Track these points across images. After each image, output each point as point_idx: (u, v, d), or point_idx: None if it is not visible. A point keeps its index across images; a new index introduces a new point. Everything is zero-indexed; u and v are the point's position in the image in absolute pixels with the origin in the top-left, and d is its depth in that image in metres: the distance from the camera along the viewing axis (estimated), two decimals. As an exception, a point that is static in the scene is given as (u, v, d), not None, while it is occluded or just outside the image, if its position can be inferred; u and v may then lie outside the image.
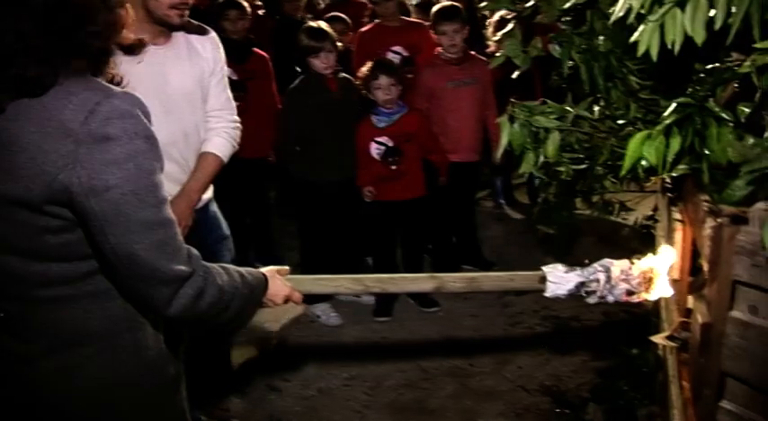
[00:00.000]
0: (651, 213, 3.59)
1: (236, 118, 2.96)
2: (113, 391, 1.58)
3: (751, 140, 1.83)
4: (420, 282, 1.95)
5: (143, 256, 1.40)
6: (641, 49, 1.85)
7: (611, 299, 1.84)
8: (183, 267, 1.46)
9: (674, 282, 2.47)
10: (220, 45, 2.88)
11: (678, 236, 2.44)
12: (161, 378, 1.67)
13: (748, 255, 1.53)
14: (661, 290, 1.88)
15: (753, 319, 1.57)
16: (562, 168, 2.64)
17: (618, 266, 1.83)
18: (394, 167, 4.24)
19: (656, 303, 3.13)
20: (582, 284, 1.82)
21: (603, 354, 3.74)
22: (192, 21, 2.79)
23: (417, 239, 4.62)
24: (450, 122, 4.49)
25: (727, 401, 1.67)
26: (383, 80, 4.09)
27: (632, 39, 1.89)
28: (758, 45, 1.77)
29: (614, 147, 2.57)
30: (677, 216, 2.50)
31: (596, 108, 2.71)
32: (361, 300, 4.58)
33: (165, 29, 2.64)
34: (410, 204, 4.36)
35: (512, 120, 2.59)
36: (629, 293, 1.84)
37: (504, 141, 2.56)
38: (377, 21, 4.93)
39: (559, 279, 1.82)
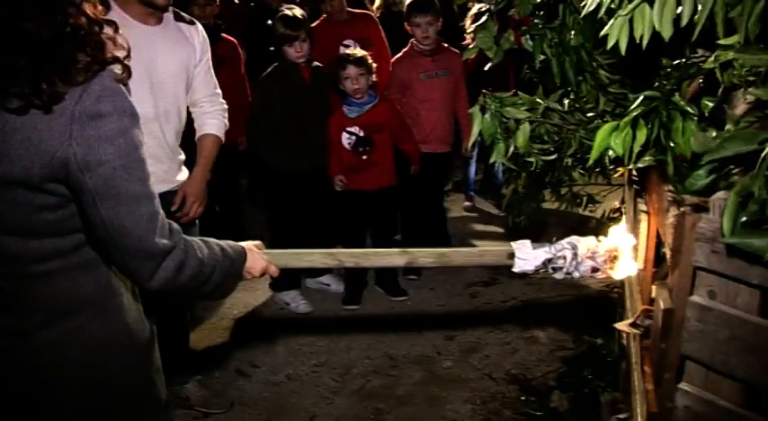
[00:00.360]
0: (618, 206, 3.67)
1: (224, 101, 3.21)
2: (104, 354, 1.64)
3: (714, 133, 1.89)
4: (392, 256, 1.98)
5: (131, 228, 1.46)
6: (611, 43, 1.90)
7: (576, 275, 1.89)
8: (165, 241, 1.51)
9: (639, 272, 2.54)
10: (206, 36, 3.08)
11: (643, 226, 2.50)
12: (142, 335, 1.73)
13: (708, 241, 1.59)
14: (625, 267, 1.93)
15: (711, 304, 1.62)
16: (532, 159, 2.69)
17: (584, 244, 1.87)
18: (365, 157, 4.27)
19: (622, 293, 3.21)
20: (549, 261, 1.86)
21: (569, 344, 3.82)
22: (179, 11, 3.00)
23: (387, 229, 4.65)
24: (423, 113, 4.54)
25: (686, 383, 1.73)
26: (351, 70, 4.11)
27: (602, 33, 1.94)
28: (722, 42, 1.83)
29: (583, 139, 2.63)
30: (642, 207, 2.56)
31: (566, 101, 2.77)
32: (329, 289, 4.62)
33: (155, 10, 2.81)
34: (380, 194, 4.38)
35: (483, 110, 2.64)
36: (594, 270, 1.88)
37: (475, 131, 2.61)
38: (324, 16, 4.94)
39: (527, 255, 1.86)
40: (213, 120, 3.13)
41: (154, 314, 1.85)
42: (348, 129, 4.24)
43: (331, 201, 4.41)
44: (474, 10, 5.10)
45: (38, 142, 1.39)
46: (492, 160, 2.64)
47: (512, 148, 2.63)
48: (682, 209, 1.77)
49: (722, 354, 1.61)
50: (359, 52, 4.21)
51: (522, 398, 3.38)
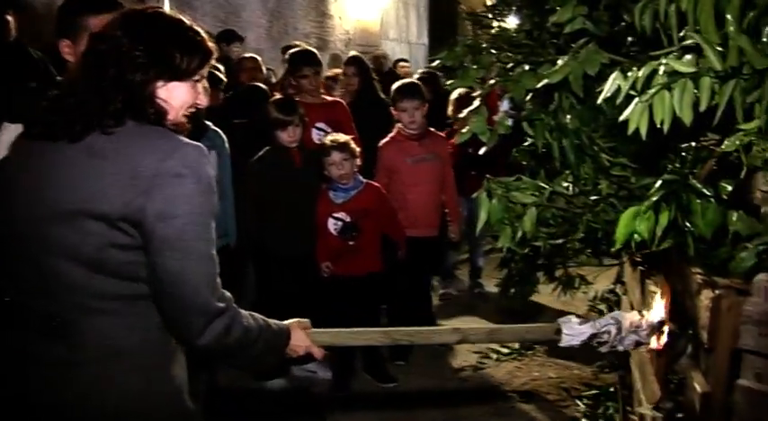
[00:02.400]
0: (612, 286, 3.69)
1: None
2: (140, 407, 1.70)
3: (735, 215, 1.93)
4: (444, 334, 2.03)
5: (191, 282, 1.61)
6: (631, 128, 1.94)
7: (620, 348, 1.97)
8: (219, 303, 1.66)
9: (654, 353, 2.53)
10: None
11: (656, 307, 2.50)
12: (181, 405, 1.79)
13: (756, 324, 1.59)
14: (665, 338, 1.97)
15: (760, 386, 1.62)
16: (539, 242, 2.71)
17: (628, 319, 1.91)
18: (351, 243, 4.25)
19: (628, 375, 3.20)
20: (594, 335, 1.90)
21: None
22: None
23: (372, 315, 4.59)
24: (410, 197, 4.56)
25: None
26: (335, 156, 4.13)
27: (621, 118, 1.98)
28: (742, 126, 1.89)
29: (590, 222, 2.66)
30: (652, 288, 2.57)
31: (564, 184, 2.80)
32: (316, 376, 4.52)
33: None
34: (366, 280, 4.35)
35: (489, 195, 2.66)
36: (638, 344, 1.94)
37: (483, 216, 2.62)
38: (297, 98, 4.98)
39: (573, 330, 1.92)
40: None
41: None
42: (334, 214, 4.24)
43: (318, 288, 4.35)
44: (454, 95, 5.25)
45: (123, 186, 1.57)
46: (500, 245, 2.65)
47: (519, 233, 2.65)
48: (717, 291, 1.78)
49: (775, 438, 1.60)
50: (341, 137, 4.24)
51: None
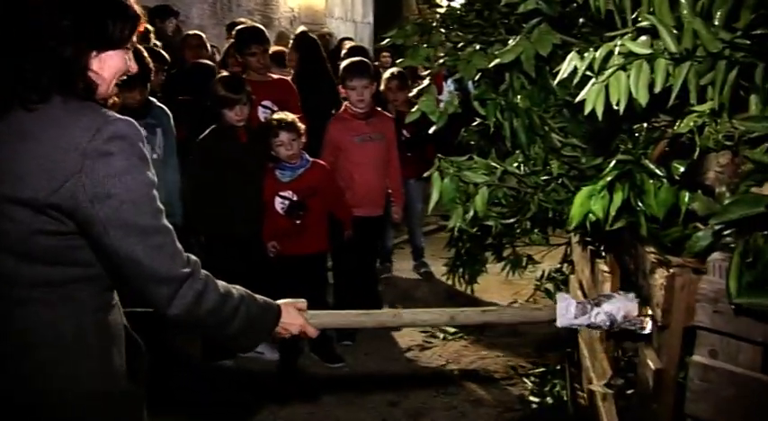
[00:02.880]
0: (559, 266, 3.74)
1: None
2: (77, 393, 1.67)
3: (687, 195, 1.96)
4: (435, 315, 2.09)
5: (142, 257, 1.57)
6: (587, 108, 1.95)
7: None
8: (181, 269, 1.62)
9: (601, 331, 2.57)
10: None
11: (607, 287, 2.55)
12: (117, 391, 1.74)
13: (710, 302, 1.63)
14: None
15: (714, 363, 1.65)
16: (491, 222, 2.71)
17: (622, 311, 1.96)
18: (298, 222, 4.21)
19: (576, 353, 3.25)
20: (588, 325, 1.95)
21: (516, 405, 3.81)
22: None
23: (318, 295, 4.57)
24: (356, 177, 4.54)
25: (690, 443, 1.75)
26: (284, 136, 4.08)
27: (578, 99, 1.99)
28: (696, 108, 1.91)
29: (541, 202, 2.67)
30: (603, 268, 2.61)
31: (515, 164, 2.81)
32: (263, 357, 4.48)
33: None
34: (312, 259, 4.33)
35: (441, 174, 2.66)
36: (629, 331, 1.99)
37: (435, 196, 2.62)
38: (244, 75, 4.92)
39: (568, 322, 1.99)
40: None
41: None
42: (281, 193, 4.19)
43: (264, 267, 4.31)
44: (387, 74, 5.24)
45: (51, 170, 1.52)
46: (451, 224, 2.65)
47: (471, 212, 2.66)
48: (671, 270, 1.81)
49: (728, 413, 1.64)
50: (289, 116, 4.18)
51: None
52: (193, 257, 1.69)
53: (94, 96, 1.63)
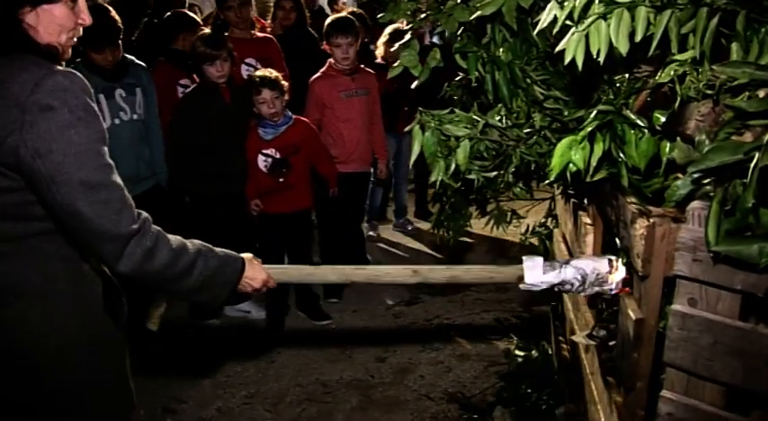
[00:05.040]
0: (543, 220, 3.73)
1: None
2: (52, 342, 1.69)
3: (668, 144, 1.95)
4: (404, 276, 2.07)
5: (86, 213, 1.55)
6: (568, 58, 1.92)
7: (582, 294, 2.06)
8: (128, 226, 1.60)
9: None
10: None
11: (590, 239, 2.54)
12: (96, 335, 1.77)
13: (689, 250, 1.62)
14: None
15: (693, 311, 1.65)
16: (473, 176, 2.70)
17: (593, 270, 1.95)
18: (281, 180, 4.19)
19: (561, 305, 3.26)
20: (556, 284, 1.95)
21: (501, 359, 3.85)
22: None
23: (304, 252, 4.56)
24: (345, 132, 4.52)
25: (668, 390, 1.75)
26: (266, 94, 4.03)
27: (558, 48, 1.96)
28: (677, 57, 1.89)
29: (523, 155, 2.66)
30: (586, 220, 2.60)
31: (497, 117, 2.79)
32: (250, 316, 4.50)
33: None
34: (298, 216, 4.32)
35: (422, 128, 2.64)
36: (599, 294, 1.99)
37: (416, 149, 2.60)
38: (227, 34, 4.83)
39: (536, 279, 1.95)
40: None
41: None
42: (264, 151, 4.16)
43: (249, 226, 4.30)
44: (389, 29, 5.17)
45: None
46: (433, 178, 2.64)
47: (452, 166, 2.64)
48: (651, 220, 1.81)
49: (705, 360, 1.65)
50: (272, 74, 4.13)
51: (464, 416, 3.37)
52: (144, 214, 1.67)
53: (38, 51, 1.59)
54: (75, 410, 1.79)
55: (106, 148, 1.60)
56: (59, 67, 1.58)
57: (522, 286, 2.01)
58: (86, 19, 1.69)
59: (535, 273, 1.93)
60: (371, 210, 6.02)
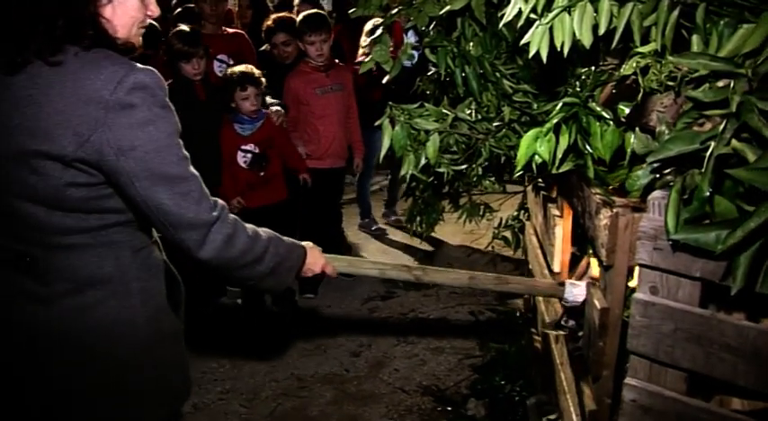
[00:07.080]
0: (516, 213, 3.76)
1: None
2: (119, 332, 1.72)
3: (633, 136, 1.98)
4: (460, 276, 2.26)
5: (169, 205, 1.60)
6: (532, 51, 1.95)
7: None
8: (209, 213, 1.66)
9: (555, 275, 2.61)
10: None
11: (558, 230, 2.57)
12: (162, 325, 1.81)
13: (650, 239, 1.65)
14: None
15: (654, 299, 1.68)
16: (443, 169, 2.72)
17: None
18: (262, 174, 4.19)
19: (530, 298, 3.29)
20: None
21: (475, 352, 3.87)
22: None
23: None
24: (321, 129, 4.52)
25: (631, 377, 1.78)
26: (251, 90, 4.03)
27: (523, 41, 1.99)
28: (639, 49, 1.92)
29: (492, 148, 2.68)
30: (555, 212, 2.63)
31: (467, 111, 2.81)
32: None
33: None
34: (278, 208, 4.30)
35: (392, 122, 2.65)
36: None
37: (386, 143, 2.61)
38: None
39: (579, 298, 2.20)
40: None
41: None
42: (243, 147, 4.15)
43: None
44: (369, 25, 5.17)
45: (76, 125, 1.52)
46: (403, 172, 2.65)
47: (423, 160, 2.66)
48: (615, 210, 1.83)
49: (667, 347, 1.67)
50: (255, 71, 4.12)
51: (438, 408, 3.40)
52: (221, 202, 1.73)
53: (112, 45, 1.61)
54: (135, 398, 1.80)
55: (181, 141, 1.66)
56: (138, 65, 1.60)
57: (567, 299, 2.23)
58: (155, 10, 1.71)
59: (577, 290, 2.19)
60: (365, 208, 6.00)
